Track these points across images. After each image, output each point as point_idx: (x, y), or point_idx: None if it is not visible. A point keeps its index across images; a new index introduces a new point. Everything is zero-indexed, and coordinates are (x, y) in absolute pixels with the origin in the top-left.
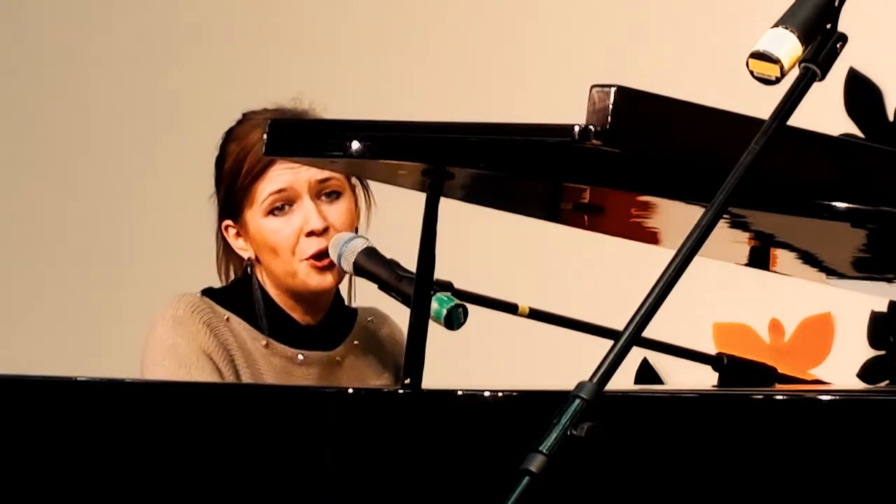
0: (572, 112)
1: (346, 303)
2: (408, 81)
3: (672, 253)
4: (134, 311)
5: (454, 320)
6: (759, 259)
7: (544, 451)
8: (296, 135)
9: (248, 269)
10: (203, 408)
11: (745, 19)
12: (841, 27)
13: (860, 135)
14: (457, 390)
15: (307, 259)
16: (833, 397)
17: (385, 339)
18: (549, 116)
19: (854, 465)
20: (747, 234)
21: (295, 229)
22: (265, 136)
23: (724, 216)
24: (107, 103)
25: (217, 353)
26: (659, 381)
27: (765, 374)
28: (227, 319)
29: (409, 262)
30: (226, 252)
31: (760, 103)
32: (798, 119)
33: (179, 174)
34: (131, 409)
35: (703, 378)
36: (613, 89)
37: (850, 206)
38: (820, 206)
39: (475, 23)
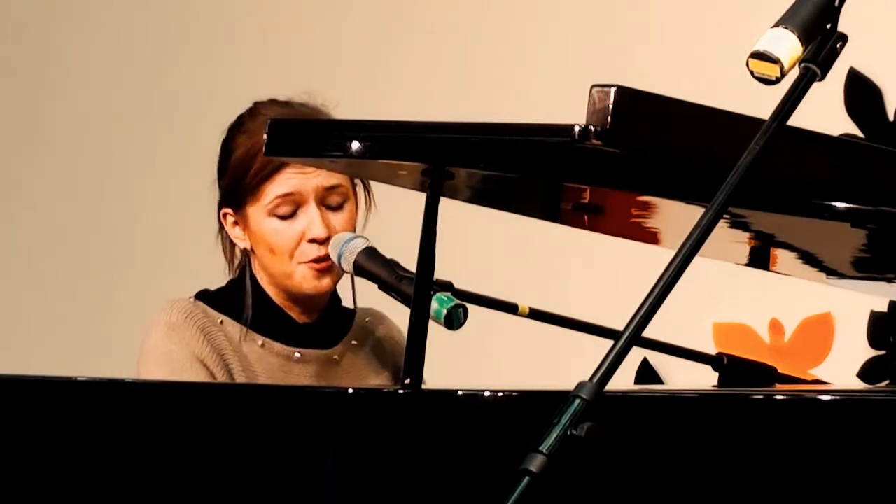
0: (572, 112)
1: (353, 304)
2: (408, 81)
3: (672, 253)
4: (134, 312)
5: (454, 320)
6: (759, 259)
7: (544, 451)
8: (296, 135)
9: (247, 259)
10: (203, 408)
11: (745, 19)
12: (841, 27)
13: (860, 135)
14: (457, 390)
15: (306, 263)
16: (833, 397)
17: (383, 339)
18: (549, 116)
19: (854, 465)
20: (747, 234)
21: (297, 233)
22: (265, 136)
23: (724, 216)
24: (107, 102)
25: (211, 358)
26: (659, 381)
27: (765, 374)
28: (221, 322)
29: (409, 262)
30: (225, 236)
31: (760, 103)
32: (798, 119)
33: (180, 173)
34: (131, 409)
35: (703, 378)
36: (613, 89)
37: (850, 206)
38: (820, 206)
39: (475, 23)
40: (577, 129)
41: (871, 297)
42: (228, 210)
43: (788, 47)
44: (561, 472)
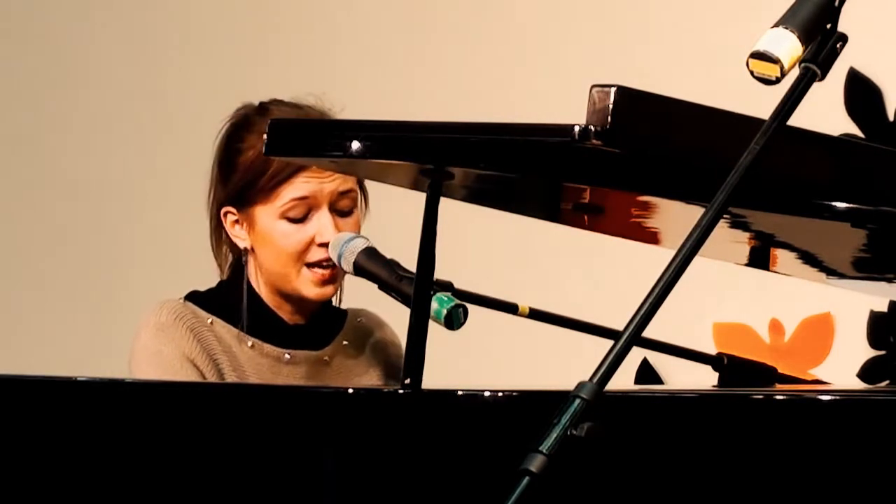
0: (572, 112)
1: (336, 304)
2: (408, 81)
3: (672, 253)
4: (134, 312)
5: (454, 320)
6: (759, 259)
7: (544, 451)
8: (296, 135)
9: (244, 261)
10: (203, 408)
11: (745, 19)
12: (841, 27)
13: (860, 135)
14: (457, 390)
15: (313, 268)
16: (833, 397)
17: (375, 340)
18: (549, 116)
19: (854, 465)
20: (747, 234)
21: (308, 237)
22: (265, 136)
23: (724, 216)
24: (106, 103)
25: (201, 358)
26: (659, 381)
27: (765, 374)
28: (211, 323)
29: (409, 262)
30: (225, 238)
31: (760, 103)
32: (798, 119)
33: (180, 173)
34: (131, 409)
35: (703, 378)
36: (613, 89)
37: (850, 206)
38: (820, 206)
39: (475, 23)
40: (577, 129)
41: (871, 297)
42: (231, 209)
43: (788, 47)
44: (561, 472)
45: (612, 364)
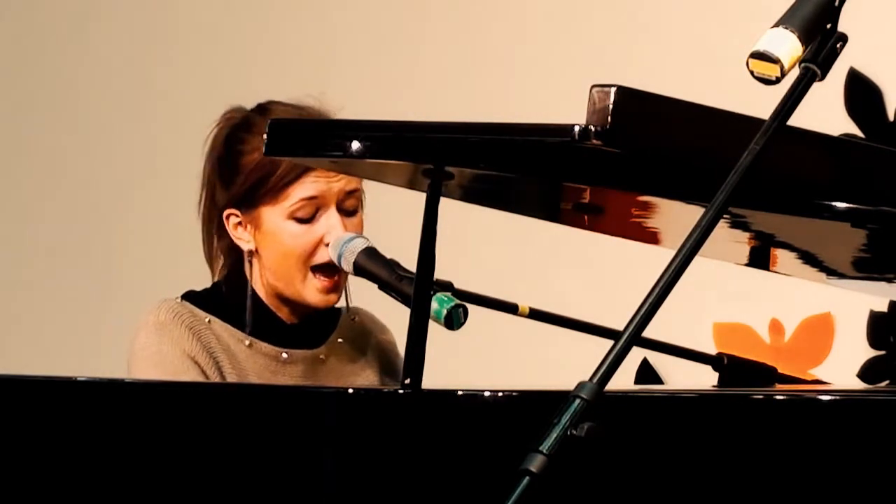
0: (572, 112)
1: (345, 304)
2: (408, 81)
3: (672, 253)
4: (134, 311)
5: (454, 320)
6: (759, 259)
7: (544, 451)
8: (296, 135)
9: (249, 260)
10: (203, 408)
11: (745, 19)
12: (841, 27)
13: (860, 135)
14: (457, 390)
15: (320, 277)
16: (833, 397)
17: (371, 338)
18: (549, 116)
19: (854, 465)
20: (747, 234)
21: (316, 237)
22: (265, 136)
23: (724, 216)
24: (104, 103)
25: (202, 356)
26: (659, 381)
27: (765, 374)
28: (209, 322)
29: (409, 262)
30: (219, 240)
31: (760, 103)
32: (798, 119)
33: (178, 173)
34: (131, 409)
35: (703, 378)
36: (613, 89)
37: (850, 206)
38: (820, 206)
39: (475, 22)
40: (577, 129)
41: (871, 297)
42: (234, 211)
43: (788, 47)
44: (561, 472)
45: (612, 364)
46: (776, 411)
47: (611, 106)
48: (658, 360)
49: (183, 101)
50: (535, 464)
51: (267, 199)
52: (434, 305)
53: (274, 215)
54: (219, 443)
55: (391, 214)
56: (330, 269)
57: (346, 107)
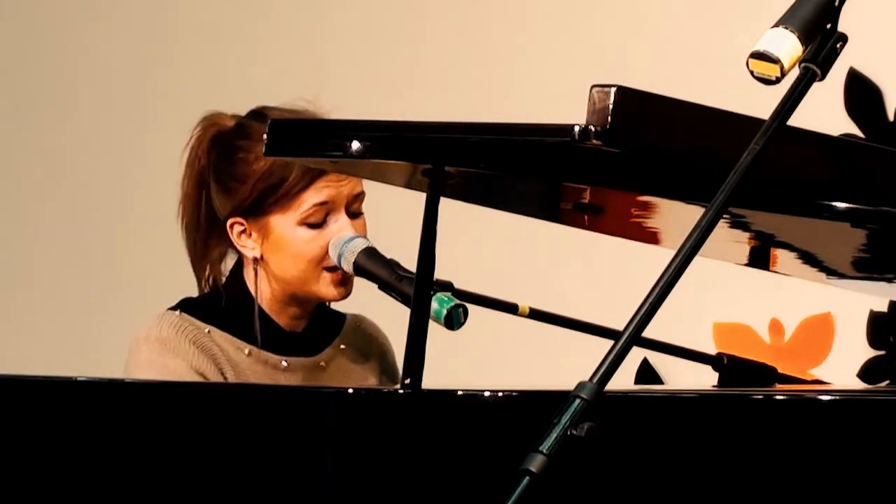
0: (572, 112)
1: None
2: (408, 81)
3: (672, 253)
4: (134, 311)
5: (454, 320)
6: (759, 259)
7: (544, 451)
8: (296, 135)
9: (255, 268)
10: (203, 408)
11: (745, 19)
12: (841, 27)
13: (860, 135)
14: (457, 390)
15: (330, 270)
16: (833, 397)
17: (375, 347)
18: (549, 116)
19: (854, 465)
20: (747, 234)
21: (327, 241)
22: (265, 136)
23: (724, 216)
24: (103, 103)
25: (209, 369)
26: (659, 381)
27: (765, 374)
28: (209, 332)
29: (409, 262)
30: (208, 246)
31: (760, 103)
32: (798, 119)
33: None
34: (131, 409)
35: (703, 378)
36: (613, 89)
37: (850, 206)
38: (820, 206)
39: (475, 22)
40: (577, 129)
41: (871, 297)
42: (239, 219)
43: (788, 47)
44: (561, 472)
45: (612, 364)
46: (776, 411)
47: (611, 106)
48: (658, 360)
49: (183, 101)
50: (535, 464)
51: (277, 207)
52: (434, 305)
53: (284, 222)
54: (219, 443)
55: (391, 214)
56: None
57: (346, 107)
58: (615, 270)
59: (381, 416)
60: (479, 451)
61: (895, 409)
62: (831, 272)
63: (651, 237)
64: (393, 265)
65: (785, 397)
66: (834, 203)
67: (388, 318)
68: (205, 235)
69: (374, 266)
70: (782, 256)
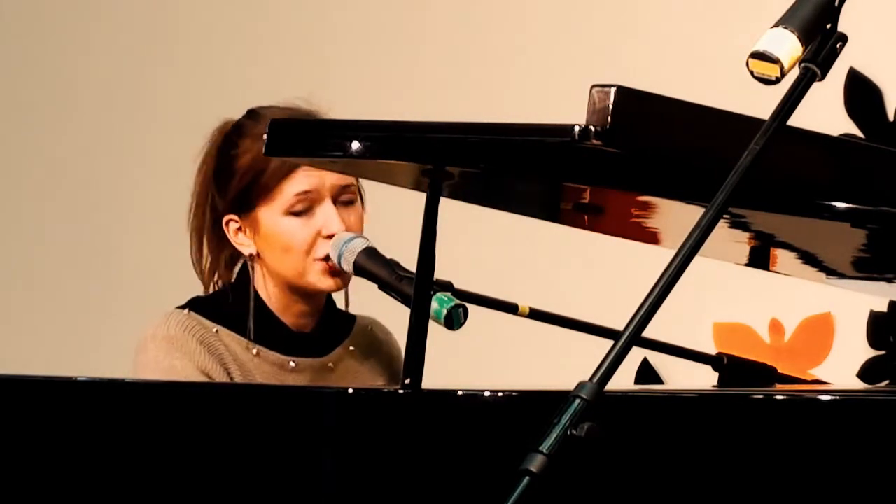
0: (572, 112)
1: (341, 306)
2: (408, 81)
3: (672, 253)
4: (134, 311)
5: (454, 320)
6: (759, 259)
7: (544, 451)
8: (296, 135)
9: (252, 266)
10: (203, 408)
11: (744, 19)
12: (841, 27)
13: (860, 135)
14: (457, 390)
15: (320, 260)
16: (833, 397)
17: (384, 351)
18: (549, 116)
19: (854, 465)
20: (747, 234)
21: (314, 231)
22: (265, 136)
23: (724, 216)
24: (104, 102)
25: (215, 369)
26: (659, 381)
27: (765, 374)
28: (217, 332)
29: (409, 262)
30: (216, 249)
31: (760, 103)
32: (798, 119)
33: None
34: (131, 409)
35: (703, 378)
36: (613, 89)
37: (850, 206)
38: (820, 206)
39: (475, 22)
40: (577, 129)
41: (871, 297)
42: (233, 217)
43: (788, 47)
44: (561, 472)
45: (612, 364)
46: (776, 411)
47: (611, 106)
48: (658, 360)
49: (183, 102)
50: (535, 464)
51: (262, 198)
52: (434, 305)
53: (271, 214)
54: (219, 443)
55: (391, 214)
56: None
57: (346, 107)
58: (615, 270)
59: (381, 416)
60: (479, 451)
61: (895, 409)
62: (831, 272)
63: (651, 237)
64: (393, 265)
65: (785, 397)
66: (834, 203)
67: (388, 318)
68: (211, 238)
69: (374, 266)
70: (782, 256)
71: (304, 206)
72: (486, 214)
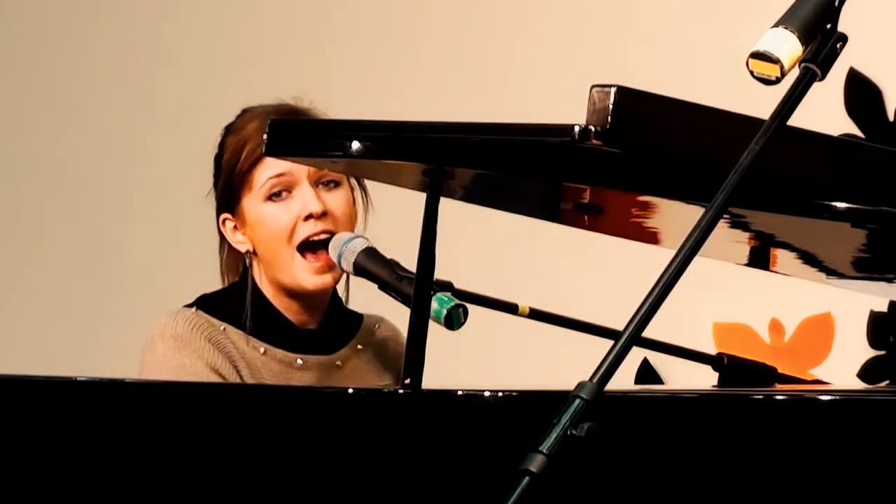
0: (572, 112)
1: (344, 304)
2: (408, 81)
3: (672, 253)
4: (134, 311)
5: (454, 320)
6: (759, 259)
7: (544, 451)
8: (296, 135)
9: (248, 263)
10: (203, 408)
11: (744, 19)
12: (841, 27)
13: (860, 135)
14: (457, 390)
15: (304, 253)
16: (833, 397)
17: (392, 350)
18: (549, 116)
19: (854, 465)
20: (747, 234)
21: (293, 215)
22: (265, 136)
23: (724, 216)
24: (104, 103)
25: (224, 367)
26: (659, 381)
27: (765, 374)
28: (224, 330)
29: (409, 262)
30: (224, 249)
31: (760, 103)
32: (798, 119)
33: (180, 174)
34: (131, 409)
35: (703, 378)
36: (613, 89)
37: (850, 206)
38: (820, 206)
39: (475, 22)
40: (577, 129)
41: (871, 297)
42: (227, 215)
43: (788, 47)
44: (561, 472)
45: (612, 364)
46: (776, 411)
47: (611, 106)
48: (658, 360)
49: (183, 101)
50: (535, 464)
51: (242, 189)
52: (434, 305)
53: (252, 203)
54: (219, 443)
55: (391, 214)
56: (315, 247)
57: (346, 107)
58: (615, 270)
59: (381, 416)
60: (479, 451)
61: (895, 409)
62: (831, 272)
63: (651, 237)
64: (393, 265)
65: (785, 397)
66: (834, 203)
67: (388, 318)
68: (221, 238)
69: (374, 266)
70: (782, 256)
71: (280, 189)
72: (486, 214)
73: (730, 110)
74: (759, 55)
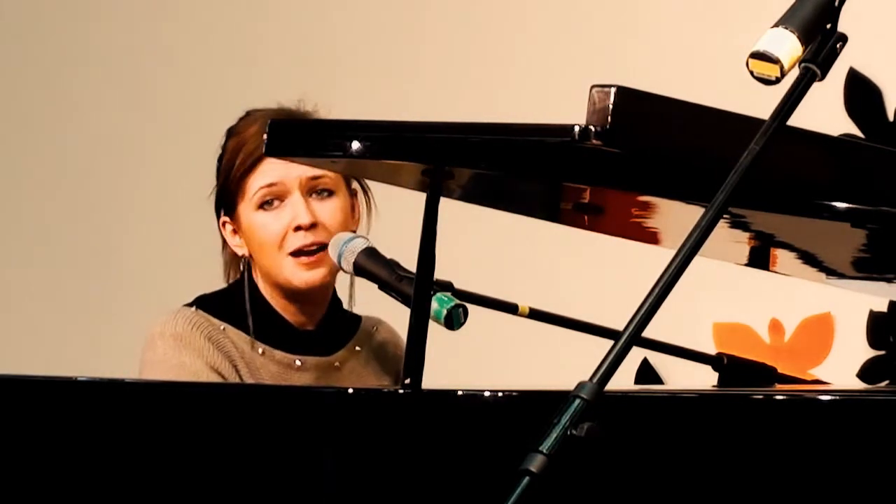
0: (572, 112)
1: (346, 306)
2: (408, 81)
3: (672, 253)
4: (134, 311)
5: (454, 320)
6: (759, 259)
7: (544, 451)
8: (296, 135)
9: (245, 266)
10: (203, 408)
11: (744, 19)
12: (841, 27)
13: (860, 135)
14: (457, 390)
15: (296, 256)
16: (833, 397)
17: (391, 352)
18: (549, 116)
19: (854, 465)
20: (747, 234)
21: (283, 224)
22: (265, 136)
23: (724, 216)
24: (104, 103)
25: (223, 366)
26: (659, 381)
27: (765, 374)
28: (224, 330)
29: (409, 262)
30: (227, 248)
31: (760, 103)
32: (798, 119)
33: (181, 174)
34: (131, 409)
35: (703, 378)
36: (613, 89)
37: (850, 206)
38: (820, 206)
39: (475, 22)
40: (577, 129)
41: (871, 297)
42: (226, 218)
43: (788, 47)
44: (561, 472)
45: (612, 364)
46: (776, 411)
47: (611, 106)
48: (658, 360)
49: (183, 101)
50: (535, 464)
51: (237, 195)
52: (434, 305)
53: (246, 210)
54: (219, 443)
55: (391, 214)
56: (306, 252)
57: (346, 107)
58: (615, 270)
59: (381, 416)
60: (479, 451)
61: (895, 409)
62: (831, 272)
63: (651, 237)
64: (393, 265)
65: (785, 397)
66: (834, 203)
67: (388, 318)
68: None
69: (374, 266)
70: (782, 256)
71: (271, 198)
72: (486, 214)
73: (730, 110)
74: (759, 55)
